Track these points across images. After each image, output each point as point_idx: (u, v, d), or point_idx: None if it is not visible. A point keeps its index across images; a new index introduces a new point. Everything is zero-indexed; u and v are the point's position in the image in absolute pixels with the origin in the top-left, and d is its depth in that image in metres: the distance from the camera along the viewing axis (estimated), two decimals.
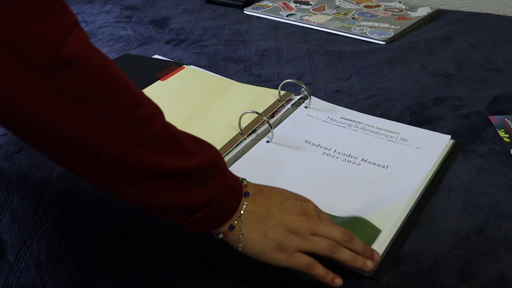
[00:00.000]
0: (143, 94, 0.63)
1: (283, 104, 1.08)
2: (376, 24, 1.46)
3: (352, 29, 1.44)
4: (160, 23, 1.55)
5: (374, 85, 1.16)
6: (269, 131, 0.97)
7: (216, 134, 0.98)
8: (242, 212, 0.68)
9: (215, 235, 0.69)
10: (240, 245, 0.68)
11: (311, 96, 1.08)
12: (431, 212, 0.81)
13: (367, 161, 0.91)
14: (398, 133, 0.96)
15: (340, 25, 1.46)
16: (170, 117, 1.02)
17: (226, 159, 0.91)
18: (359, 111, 1.06)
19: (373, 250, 0.71)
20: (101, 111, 0.57)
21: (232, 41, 1.42)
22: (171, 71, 1.22)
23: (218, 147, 0.94)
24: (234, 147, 0.95)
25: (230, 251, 0.76)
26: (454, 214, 0.80)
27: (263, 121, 1.01)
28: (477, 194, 0.83)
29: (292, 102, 1.09)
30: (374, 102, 1.10)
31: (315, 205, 0.72)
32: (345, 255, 0.69)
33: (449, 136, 0.96)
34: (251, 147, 0.95)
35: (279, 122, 1.02)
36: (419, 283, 0.70)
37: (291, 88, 1.12)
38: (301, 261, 0.68)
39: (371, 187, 0.85)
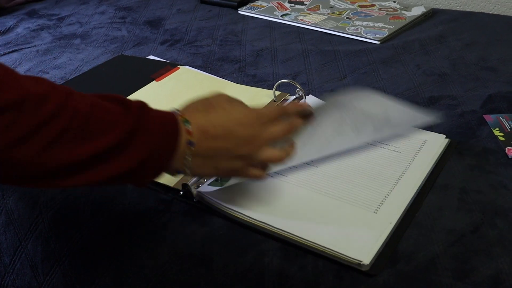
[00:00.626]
0: (46, 85, 0.60)
1: (278, 105, 1.08)
2: (370, 23, 1.47)
3: (346, 28, 1.44)
4: (155, 24, 1.54)
5: (369, 85, 1.16)
6: None
7: None
8: (189, 158, 0.69)
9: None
10: (189, 176, 0.73)
11: (306, 96, 1.08)
12: (426, 211, 0.81)
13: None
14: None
15: (335, 25, 1.46)
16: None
17: None
18: None
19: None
20: None
21: (227, 41, 1.42)
22: (166, 71, 1.21)
23: None
24: None
25: (228, 251, 0.76)
26: (449, 213, 0.80)
27: None
28: (472, 193, 0.83)
29: (287, 102, 1.09)
30: None
31: (258, 118, 0.73)
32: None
33: (444, 135, 0.96)
34: None
35: None
36: (415, 282, 0.70)
37: (286, 88, 1.12)
38: (253, 174, 0.75)
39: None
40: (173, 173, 0.71)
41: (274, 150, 0.74)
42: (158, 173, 0.68)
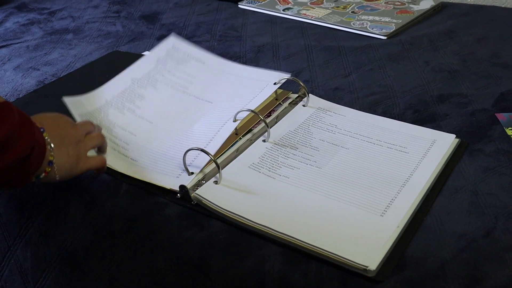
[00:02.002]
0: None
1: (280, 103, 1.08)
2: (377, 18, 1.46)
3: (351, 23, 1.44)
4: (151, 18, 1.54)
5: (375, 82, 1.16)
6: (265, 131, 0.97)
7: None
8: (52, 145, 0.77)
9: (35, 179, 0.77)
10: (57, 174, 0.79)
11: (309, 94, 1.07)
12: (436, 214, 0.80)
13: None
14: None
15: (339, 20, 1.46)
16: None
17: (220, 159, 0.91)
18: (360, 109, 1.05)
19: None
20: None
21: (227, 36, 1.42)
22: None
23: None
24: (230, 147, 0.95)
25: (227, 256, 0.76)
26: (460, 217, 0.80)
27: (259, 120, 1.01)
28: (484, 196, 0.83)
29: (290, 100, 1.09)
30: (375, 99, 1.10)
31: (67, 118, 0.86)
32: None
33: (454, 135, 0.96)
34: (247, 147, 0.95)
35: (276, 122, 1.02)
36: None
37: (288, 86, 1.12)
38: (95, 162, 0.87)
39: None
40: (45, 167, 0.77)
41: (92, 135, 0.88)
42: (39, 164, 0.76)
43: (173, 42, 1.20)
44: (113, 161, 0.92)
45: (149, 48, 1.36)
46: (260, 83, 1.09)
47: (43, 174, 0.77)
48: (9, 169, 0.70)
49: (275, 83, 1.07)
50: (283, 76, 1.09)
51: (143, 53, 1.32)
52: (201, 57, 1.18)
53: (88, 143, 0.86)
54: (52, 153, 0.77)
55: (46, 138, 0.77)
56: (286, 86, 1.12)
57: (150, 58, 1.16)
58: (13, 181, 0.73)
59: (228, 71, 1.15)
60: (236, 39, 1.40)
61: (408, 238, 0.77)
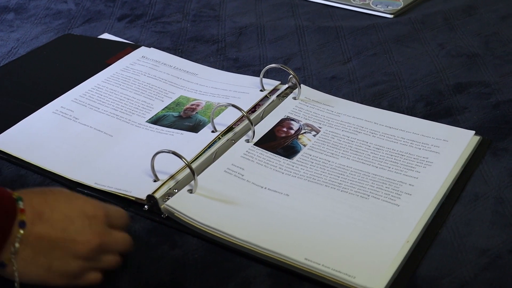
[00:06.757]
0: None
1: (266, 96, 1.09)
2: None
3: None
4: None
5: (380, 70, 1.17)
6: (249, 129, 0.98)
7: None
8: (16, 245, 0.67)
9: None
10: (16, 282, 0.69)
11: (301, 85, 1.08)
12: (453, 226, 0.81)
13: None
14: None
15: None
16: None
17: (196, 164, 0.92)
18: (361, 102, 1.06)
19: None
20: None
21: (202, 16, 1.42)
22: (125, 55, 1.22)
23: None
24: (206, 149, 0.96)
25: (205, 279, 0.76)
26: (482, 229, 0.81)
27: (241, 117, 1.01)
28: (510, 203, 0.84)
29: (278, 92, 1.09)
30: (379, 90, 1.11)
31: (104, 215, 0.74)
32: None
33: (474, 132, 0.97)
34: (227, 149, 0.96)
35: (262, 118, 1.03)
36: None
37: (277, 75, 1.13)
38: (91, 279, 0.73)
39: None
40: None
41: (111, 258, 0.75)
42: None
43: (143, 52, 1.22)
44: (64, 168, 0.93)
45: (108, 30, 1.36)
46: (243, 88, 1.10)
47: None
48: None
49: (261, 90, 1.09)
50: (273, 84, 1.10)
51: (100, 36, 1.32)
52: (174, 63, 1.20)
53: (96, 265, 0.73)
54: (12, 255, 0.67)
55: (18, 236, 0.67)
56: (273, 76, 1.13)
57: (112, 68, 1.18)
58: None
59: (208, 77, 1.16)
60: (213, 19, 1.40)
61: (420, 254, 0.78)
